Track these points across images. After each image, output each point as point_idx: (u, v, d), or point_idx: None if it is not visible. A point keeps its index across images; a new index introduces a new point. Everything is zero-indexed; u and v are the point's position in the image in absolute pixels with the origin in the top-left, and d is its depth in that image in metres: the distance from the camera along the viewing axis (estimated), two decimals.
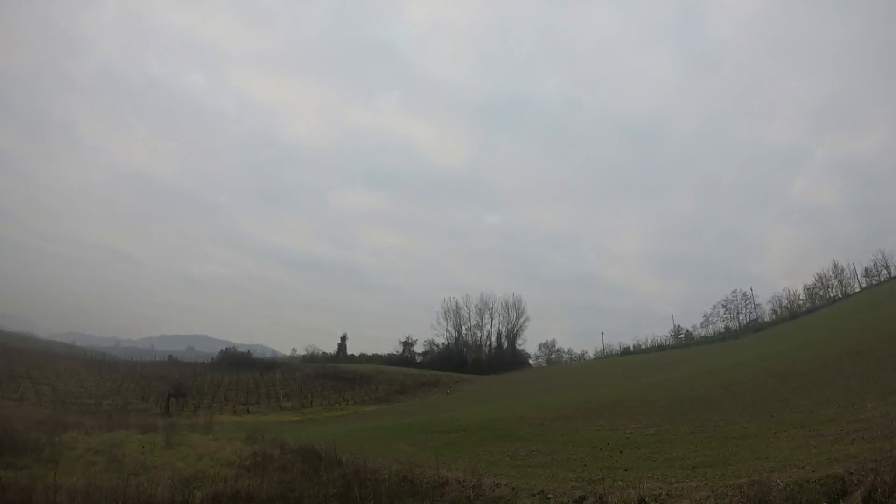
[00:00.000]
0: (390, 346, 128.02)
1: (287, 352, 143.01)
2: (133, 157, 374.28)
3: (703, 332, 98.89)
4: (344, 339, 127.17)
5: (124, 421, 29.67)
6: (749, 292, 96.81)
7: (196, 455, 18.56)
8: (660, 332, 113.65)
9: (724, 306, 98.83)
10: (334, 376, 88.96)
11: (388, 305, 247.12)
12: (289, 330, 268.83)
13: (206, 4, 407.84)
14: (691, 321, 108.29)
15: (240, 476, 14.24)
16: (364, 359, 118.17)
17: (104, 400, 55.72)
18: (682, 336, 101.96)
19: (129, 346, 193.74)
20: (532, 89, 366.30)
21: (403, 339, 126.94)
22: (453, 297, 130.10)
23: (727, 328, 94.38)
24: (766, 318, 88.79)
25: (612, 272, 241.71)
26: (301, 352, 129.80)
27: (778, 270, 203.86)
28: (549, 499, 11.03)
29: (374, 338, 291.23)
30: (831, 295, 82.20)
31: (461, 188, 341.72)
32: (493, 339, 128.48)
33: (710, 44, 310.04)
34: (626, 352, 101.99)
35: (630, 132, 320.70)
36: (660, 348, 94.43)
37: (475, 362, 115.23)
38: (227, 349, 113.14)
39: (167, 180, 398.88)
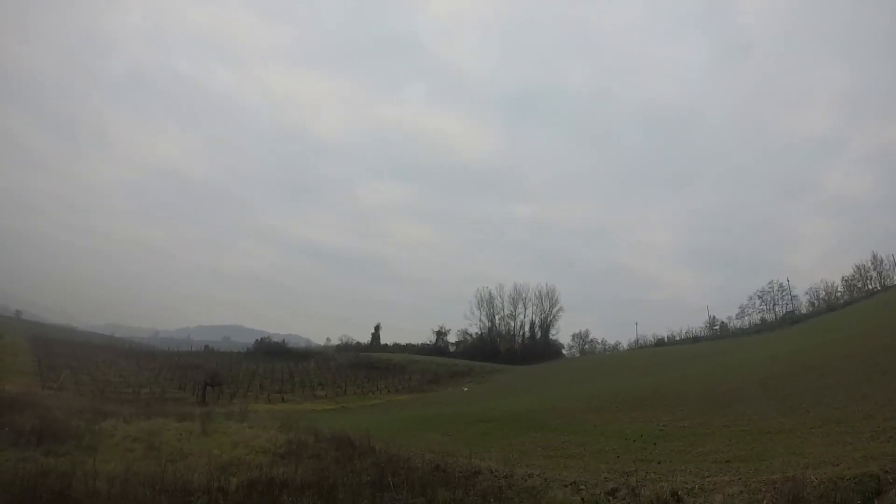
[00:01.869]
0: (422, 338, 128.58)
1: (321, 342, 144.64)
2: (163, 154, 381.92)
3: (739, 324, 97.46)
4: (377, 328, 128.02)
5: (162, 409, 30.26)
6: (786, 283, 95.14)
7: (232, 442, 18.88)
8: (694, 323, 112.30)
9: (759, 297, 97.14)
10: (368, 366, 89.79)
11: (417, 297, 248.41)
12: (322, 320, 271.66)
13: (227, 1, 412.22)
14: (727, 313, 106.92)
15: (274, 463, 14.47)
16: (397, 348, 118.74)
17: (142, 389, 56.87)
18: (717, 328, 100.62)
19: (167, 337, 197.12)
20: (559, 80, 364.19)
21: (437, 329, 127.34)
22: (487, 287, 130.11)
23: (763, 320, 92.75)
24: (803, 310, 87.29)
25: (645, 264, 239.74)
26: (335, 341, 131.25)
27: (813, 261, 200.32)
28: (581, 490, 11.08)
29: (406, 329, 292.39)
30: (870, 287, 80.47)
31: (490, 180, 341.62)
32: (527, 329, 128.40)
33: (739, 30, 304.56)
34: (660, 343, 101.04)
35: (659, 122, 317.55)
36: (694, 340, 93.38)
37: (508, 352, 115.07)
38: (261, 339, 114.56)
39: (197, 175, 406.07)
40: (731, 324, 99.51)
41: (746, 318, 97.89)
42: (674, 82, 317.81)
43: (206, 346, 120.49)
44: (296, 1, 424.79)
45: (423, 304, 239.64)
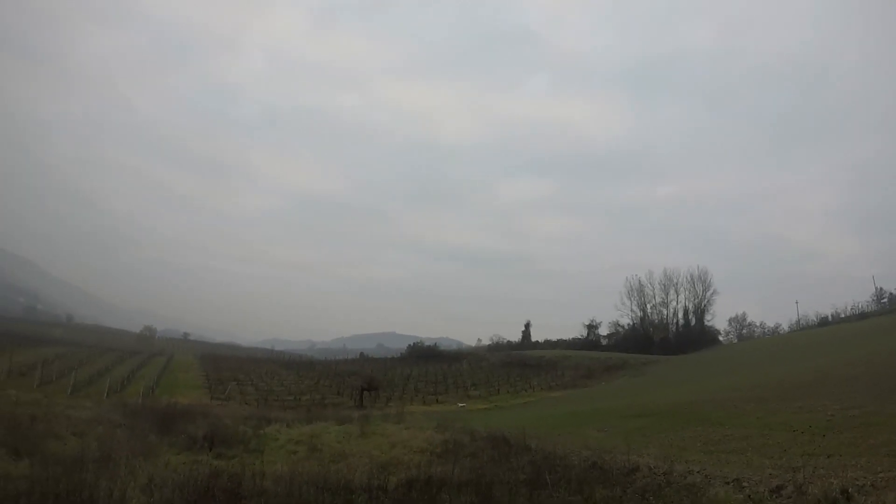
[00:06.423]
0: (573, 332, 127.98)
1: (472, 343, 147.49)
2: (304, 180, 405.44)
3: None
4: (528, 326, 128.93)
5: (322, 414, 31.95)
6: None
7: (389, 443, 19.56)
8: (861, 297, 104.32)
9: None
10: (520, 363, 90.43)
11: (565, 292, 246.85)
12: (472, 322, 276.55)
13: (339, 31, 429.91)
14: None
15: (431, 462, 14.81)
16: (548, 345, 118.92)
17: (302, 396, 60.41)
18: (886, 301, 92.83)
19: (323, 347, 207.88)
20: (681, 43, 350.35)
21: (587, 323, 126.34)
22: (636, 275, 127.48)
23: None
24: None
25: (801, 233, 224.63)
26: (486, 342, 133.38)
27: None
28: (743, 487, 10.81)
29: (556, 324, 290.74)
30: None
31: (626, 161, 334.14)
32: (680, 316, 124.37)
33: None
34: (823, 322, 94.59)
35: (792, 70, 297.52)
36: (861, 316, 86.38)
37: (662, 342, 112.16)
38: (414, 343, 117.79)
39: (338, 195, 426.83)
40: None
41: None
42: (802, 23, 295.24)
43: (361, 354, 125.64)
44: (405, 17, 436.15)
45: (572, 297, 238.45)
